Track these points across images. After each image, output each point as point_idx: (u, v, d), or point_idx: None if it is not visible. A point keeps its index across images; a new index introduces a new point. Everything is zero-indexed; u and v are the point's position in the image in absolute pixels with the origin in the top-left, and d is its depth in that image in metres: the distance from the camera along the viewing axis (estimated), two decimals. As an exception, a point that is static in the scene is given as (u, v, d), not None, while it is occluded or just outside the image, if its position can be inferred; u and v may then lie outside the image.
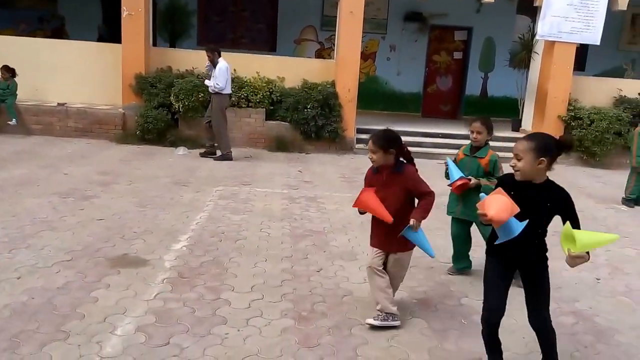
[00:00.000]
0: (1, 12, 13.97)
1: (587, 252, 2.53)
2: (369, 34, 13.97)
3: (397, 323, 3.43)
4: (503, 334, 2.94)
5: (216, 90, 8.77)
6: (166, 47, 13.47)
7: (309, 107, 10.12)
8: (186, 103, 9.79)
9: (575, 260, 2.51)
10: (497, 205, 2.53)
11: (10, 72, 9.89)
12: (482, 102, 14.89)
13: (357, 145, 10.63)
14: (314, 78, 10.71)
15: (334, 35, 12.00)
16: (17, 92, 9.97)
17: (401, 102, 14.80)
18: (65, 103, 10.35)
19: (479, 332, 2.93)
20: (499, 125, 7.33)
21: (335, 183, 7.87)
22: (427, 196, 3.36)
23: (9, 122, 9.68)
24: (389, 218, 3.16)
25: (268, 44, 14.42)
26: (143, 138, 9.93)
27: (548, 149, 2.66)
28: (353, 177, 8.27)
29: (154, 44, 11.29)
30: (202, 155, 9.20)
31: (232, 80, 10.42)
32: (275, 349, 3.11)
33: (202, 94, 9.73)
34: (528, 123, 11.91)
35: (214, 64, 8.81)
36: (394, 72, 14.75)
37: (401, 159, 3.44)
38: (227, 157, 9.00)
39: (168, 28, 14.53)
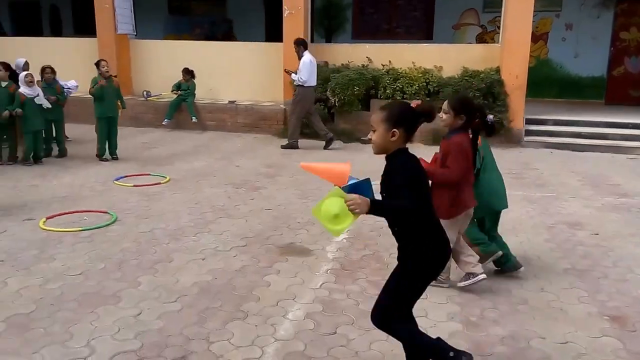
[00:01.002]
0: (179, 19, 15.68)
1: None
2: (541, 12, 12.68)
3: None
4: None
5: (299, 83, 9.00)
6: (322, 42, 13.95)
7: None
8: (342, 97, 10.04)
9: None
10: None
11: (190, 74, 11.05)
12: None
13: (526, 138, 9.88)
14: (476, 65, 10.14)
15: (499, 16, 11.28)
16: (195, 92, 11.11)
17: (579, 87, 13.36)
18: (235, 101, 11.29)
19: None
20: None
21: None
22: (445, 170, 3.46)
23: (192, 120, 10.81)
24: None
25: (424, 32, 14.12)
26: (302, 132, 10.39)
27: (401, 118, 2.43)
28: (522, 172, 7.76)
29: (311, 41, 11.74)
30: (325, 147, 9.41)
31: (387, 72, 10.44)
32: (443, 352, 3.05)
33: (358, 88, 9.91)
34: None
35: (299, 57, 9.01)
36: (571, 54, 13.35)
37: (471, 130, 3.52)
38: (292, 145, 9.31)
39: (324, 24, 15.02)
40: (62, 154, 8.13)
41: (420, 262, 2.50)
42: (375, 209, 2.30)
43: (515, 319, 3.45)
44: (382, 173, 2.51)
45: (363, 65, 10.77)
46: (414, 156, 2.52)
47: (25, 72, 7.62)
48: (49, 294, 3.58)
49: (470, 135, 3.62)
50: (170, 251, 4.46)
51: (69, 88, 8.76)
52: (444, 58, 10.51)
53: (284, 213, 5.62)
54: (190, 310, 3.41)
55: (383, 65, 10.74)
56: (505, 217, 5.58)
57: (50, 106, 7.69)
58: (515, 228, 5.26)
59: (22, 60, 8.59)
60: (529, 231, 5.18)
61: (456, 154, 3.48)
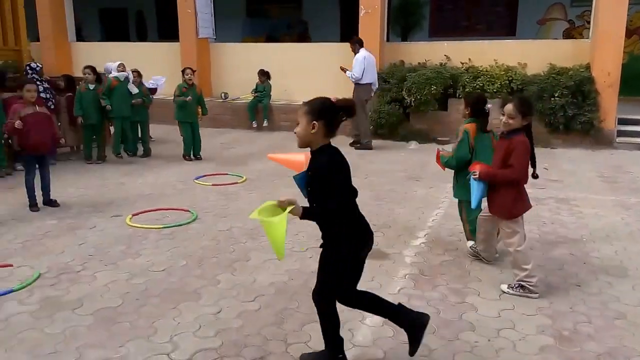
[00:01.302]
0: (256, 22, 16.02)
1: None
2: (636, 4, 11.87)
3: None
4: None
5: (353, 80, 9.00)
6: (398, 41, 13.73)
7: (556, 95, 9.13)
8: (418, 97, 9.82)
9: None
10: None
11: (265, 75, 11.23)
12: None
13: (619, 139, 9.24)
14: (563, 62, 9.61)
15: (588, 10, 10.59)
16: (271, 94, 11.28)
17: (676, 85, 12.32)
18: (309, 101, 11.33)
19: None
20: None
21: (593, 183, 6.95)
22: (510, 169, 3.57)
23: (263, 123, 11.00)
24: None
25: (506, 28, 13.56)
26: (376, 132, 10.29)
27: (321, 112, 2.53)
28: (615, 176, 7.24)
29: (387, 39, 11.58)
30: (356, 147, 9.30)
31: (467, 70, 10.09)
32: (532, 366, 2.85)
33: (435, 87, 9.65)
34: None
35: (355, 54, 9.10)
36: (672, 48, 12.38)
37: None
38: (367, 146, 9.19)
39: (400, 22, 14.79)
40: (147, 153, 8.51)
41: (342, 251, 2.67)
42: (305, 215, 2.62)
43: (612, 334, 3.18)
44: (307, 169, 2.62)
45: (441, 64, 10.49)
46: (337, 152, 2.64)
47: (118, 62, 8.07)
48: (135, 289, 3.71)
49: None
50: (247, 250, 4.50)
51: (157, 85, 9.19)
52: (529, 55, 10.02)
53: (359, 215, 5.52)
54: (268, 311, 3.41)
55: (462, 64, 10.42)
56: (597, 224, 5.23)
57: (137, 91, 8.11)
58: (609, 236, 4.88)
59: (111, 65, 9.07)
60: (624, 240, 4.79)
61: (521, 152, 3.59)
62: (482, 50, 10.30)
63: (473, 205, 3.83)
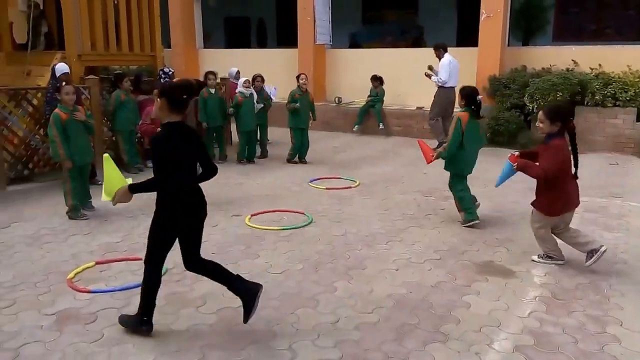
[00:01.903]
0: (372, 28, 15.97)
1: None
2: None
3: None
4: None
5: (440, 84, 9.19)
6: (519, 46, 12.98)
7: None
8: (541, 103, 9.16)
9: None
10: None
11: (378, 80, 11.13)
12: None
13: None
14: None
15: None
16: (384, 99, 11.15)
17: None
18: (423, 107, 11.05)
19: None
20: None
21: None
22: (538, 168, 3.98)
23: (379, 126, 10.90)
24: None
25: (638, 33, 12.28)
26: (493, 140, 9.78)
27: (165, 90, 3.00)
28: None
29: (507, 44, 10.99)
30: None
31: (596, 76, 9.35)
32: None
33: (561, 94, 8.96)
34: None
35: (440, 60, 9.27)
36: None
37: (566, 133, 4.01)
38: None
39: (521, 26, 13.99)
40: (264, 155, 8.78)
41: (164, 219, 3.04)
42: (134, 190, 3.03)
43: None
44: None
45: (567, 69, 9.74)
46: (174, 130, 2.98)
47: (244, 79, 8.41)
48: (254, 290, 3.76)
49: (568, 138, 4.08)
50: (363, 258, 4.42)
51: (272, 94, 9.47)
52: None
53: (480, 227, 5.22)
54: (387, 324, 3.29)
55: (592, 69, 9.58)
56: None
57: (262, 105, 8.39)
58: None
59: (234, 70, 9.50)
60: None
61: (550, 155, 3.99)
62: (614, 56, 9.42)
63: (497, 184, 4.57)
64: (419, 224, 5.33)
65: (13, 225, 5.18)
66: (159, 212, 3.05)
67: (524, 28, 13.95)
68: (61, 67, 6.83)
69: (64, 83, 6.33)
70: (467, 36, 11.49)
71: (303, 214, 5.61)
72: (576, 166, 4.14)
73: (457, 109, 6.19)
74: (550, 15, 13.71)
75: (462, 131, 5.08)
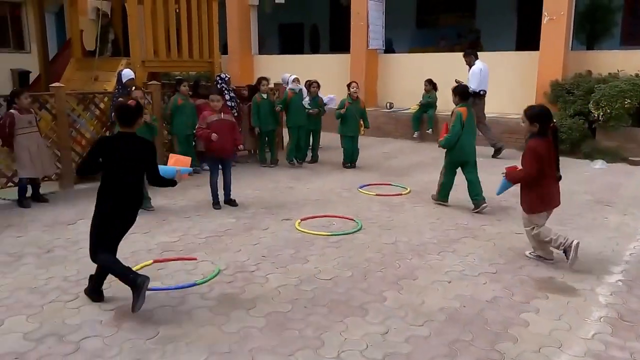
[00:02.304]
0: (426, 32, 15.75)
1: None
2: None
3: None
4: None
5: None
6: (583, 49, 12.42)
7: None
8: (608, 111, 8.73)
9: None
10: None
11: (431, 85, 10.92)
12: None
13: None
14: None
15: None
16: (436, 104, 10.94)
17: None
18: (478, 113, 10.77)
19: None
20: None
21: None
22: (519, 170, 4.32)
23: (428, 131, 10.71)
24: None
25: None
26: (554, 148, 9.40)
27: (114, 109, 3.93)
28: None
29: (570, 48, 10.53)
30: (494, 156, 9.28)
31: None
32: None
33: (629, 100, 8.50)
34: None
35: (470, 66, 9.26)
36: None
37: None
38: (498, 148, 9.34)
39: (586, 29, 13.40)
40: (315, 159, 8.79)
41: (99, 208, 3.53)
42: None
43: None
44: None
45: (636, 75, 9.19)
46: (115, 138, 3.72)
47: (294, 76, 8.48)
48: (303, 296, 3.75)
49: (551, 138, 4.29)
50: (413, 268, 4.31)
51: (328, 101, 9.49)
52: None
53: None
54: (438, 339, 3.18)
55: (664, 75, 9.02)
56: None
57: (308, 106, 8.41)
58: None
59: (287, 75, 9.58)
60: None
61: (527, 155, 4.28)
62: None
63: (497, 193, 4.86)
64: (473, 234, 5.16)
65: (79, 222, 5.39)
66: (97, 203, 3.57)
67: (589, 31, 13.38)
68: (127, 73, 7.13)
69: (133, 87, 6.62)
70: (528, 40, 11.11)
71: (353, 220, 5.55)
72: (557, 167, 4.40)
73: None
74: (617, 18, 13.09)
75: (462, 124, 5.81)
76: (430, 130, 10.74)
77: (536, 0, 10.09)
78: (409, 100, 11.58)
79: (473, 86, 8.98)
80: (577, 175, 7.81)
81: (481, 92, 9.24)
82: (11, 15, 15.68)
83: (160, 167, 3.78)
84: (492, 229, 5.32)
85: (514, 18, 14.13)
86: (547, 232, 4.33)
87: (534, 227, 4.37)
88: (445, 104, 11.25)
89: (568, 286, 3.96)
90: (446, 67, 11.53)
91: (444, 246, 4.83)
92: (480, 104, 9.28)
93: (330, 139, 10.34)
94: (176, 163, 4.24)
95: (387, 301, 3.68)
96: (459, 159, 6.02)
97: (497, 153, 9.28)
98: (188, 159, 4.46)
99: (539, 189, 4.31)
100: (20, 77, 12.17)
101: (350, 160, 8.44)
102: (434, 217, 5.75)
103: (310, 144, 8.89)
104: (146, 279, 3.36)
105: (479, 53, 9.78)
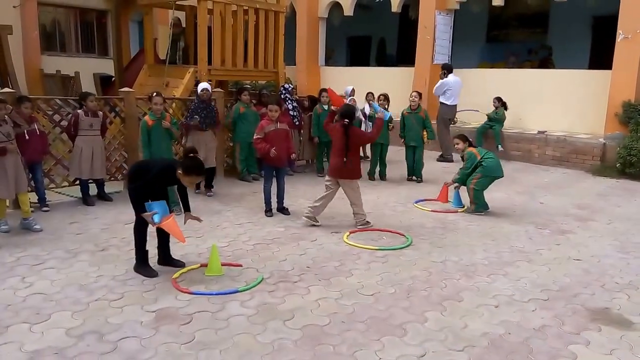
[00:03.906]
0: (495, 47, 15.33)
1: None
2: None
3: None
4: None
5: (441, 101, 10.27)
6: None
7: None
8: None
9: None
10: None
11: (501, 102, 10.60)
12: None
13: None
14: None
15: None
16: (503, 122, 10.61)
17: None
18: (546, 131, 10.36)
19: None
20: None
21: None
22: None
23: (498, 149, 10.38)
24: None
25: None
26: (623, 172, 8.89)
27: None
28: None
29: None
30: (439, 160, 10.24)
31: None
32: None
33: None
34: None
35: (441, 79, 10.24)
36: None
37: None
38: (447, 159, 10.23)
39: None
40: (382, 176, 8.51)
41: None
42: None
43: None
44: None
45: None
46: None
47: (352, 87, 8.54)
48: (343, 310, 3.72)
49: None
50: (460, 289, 4.19)
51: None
52: None
53: (598, 268, 4.73)
54: (477, 365, 3.07)
55: None
56: None
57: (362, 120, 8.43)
58: None
59: (349, 88, 9.64)
60: None
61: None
62: None
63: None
64: (528, 258, 4.95)
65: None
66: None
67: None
68: (202, 85, 7.42)
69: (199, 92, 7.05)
70: (603, 58, 10.59)
71: (403, 235, 5.48)
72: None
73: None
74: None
75: (476, 163, 6.50)
76: (500, 147, 10.40)
77: (613, 18, 9.60)
78: (473, 115, 11.30)
79: (435, 91, 10.45)
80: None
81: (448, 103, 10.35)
82: (97, 23, 16.81)
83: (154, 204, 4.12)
84: (549, 254, 5.09)
85: (588, 35, 13.50)
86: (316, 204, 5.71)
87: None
88: (514, 121, 10.96)
89: (624, 319, 3.72)
90: (513, 84, 11.20)
91: (495, 268, 4.66)
92: (448, 111, 10.39)
93: (390, 153, 10.26)
94: (166, 225, 4.13)
95: (428, 322, 3.59)
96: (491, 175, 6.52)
97: (442, 159, 10.28)
98: (172, 229, 4.19)
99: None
100: (103, 81, 12.98)
101: (412, 173, 8.35)
102: (489, 237, 5.57)
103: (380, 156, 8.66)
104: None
105: (548, 70, 9.43)
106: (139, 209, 4.11)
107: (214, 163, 7.22)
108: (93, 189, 6.63)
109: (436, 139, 8.94)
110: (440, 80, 10.39)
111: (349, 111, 5.75)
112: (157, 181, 4.15)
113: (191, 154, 4.22)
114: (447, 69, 10.47)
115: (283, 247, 5.05)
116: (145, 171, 4.18)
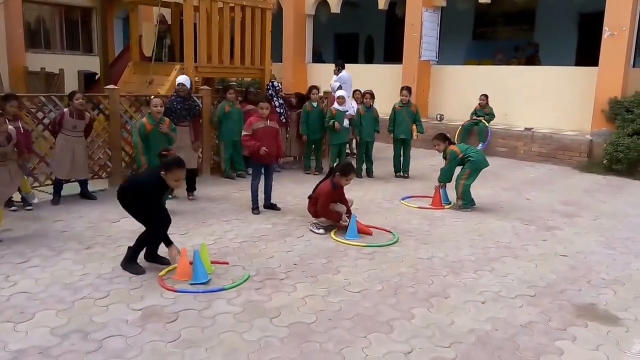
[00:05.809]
0: (482, 44, 15.40)
1: None
2: None
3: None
4: None
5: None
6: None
7: None
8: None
9: None
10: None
11: (487, 98, 10.66)
12: None
13: None
14: None
15: None
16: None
17: None
18: (532, 128, 10.41)
19: None
20: None
21: None
22: None
23: (479, 146, 10.40)
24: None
25: None
26: (610, 168, 8.97)
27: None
28: None
29: (633, 65, 10.02)
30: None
31: None
32: None
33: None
34: None
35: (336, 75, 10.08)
36: None
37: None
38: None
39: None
40: (369, 172, 8.46)
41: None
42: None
43: None
44: None
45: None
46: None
47: (339, 93, 8.31)
48: (329, 307, 3.70)
49: None
50: (447, 285, 4.19)
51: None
52: None
53: (584, 264, 4.75)
54: (463, 362, 3.06)
55: None
56: None
57: (347, 126, 8.27)
58: None
59: (336, 85, 9.60)
60: None
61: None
62: None
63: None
64: (514, 254, 4.97)
65: (122, 221, 5.54)
66: None
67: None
68: (179, 78, 7.09)
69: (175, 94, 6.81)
70: (589, 55, 10.67)
71: (389, 232, 5.47)
72: None
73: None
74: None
75: (457, 159, 6.60)
76: (481, 144, 10.42)
77: (599, 15, 9.68)
78: (460, 112, 11.35)
79: (334, 88, 9.63)
80: (630, 197, 7.42)
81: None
82: (82, 20, 16.62)
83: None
84: (535, 250, 5.11)
85: (575, 32, 13.61)
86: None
87: None
88: (500, 117, 10.99)
89: (610, 314, 3.74)
90: (500, 81, 11.25)
91: (481, 264, 4.67)
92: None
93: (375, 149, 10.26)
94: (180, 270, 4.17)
95: (415, 319, 3.58)
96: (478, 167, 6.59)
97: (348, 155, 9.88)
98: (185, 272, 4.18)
99: None
100: (86, 78, 12.83)
101: (399, 169, 8.36)
102: (475, 233, 5.58)
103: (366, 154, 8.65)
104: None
105: (535, 67, 9.48)
106: (156, 226, 4.26)
107: (194, 164, 6.90)
108: (74, 189, 6.53)
109: (424, 132, 8.88)
110: (335, 76, 10.29)
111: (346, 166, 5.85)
112: (154, 196, 4.20)
113: (164, 152, 4.32)
114: (341, 65, 10.49)
115: (270, 244, 5.01)
116: (138, 190, 4.24)
